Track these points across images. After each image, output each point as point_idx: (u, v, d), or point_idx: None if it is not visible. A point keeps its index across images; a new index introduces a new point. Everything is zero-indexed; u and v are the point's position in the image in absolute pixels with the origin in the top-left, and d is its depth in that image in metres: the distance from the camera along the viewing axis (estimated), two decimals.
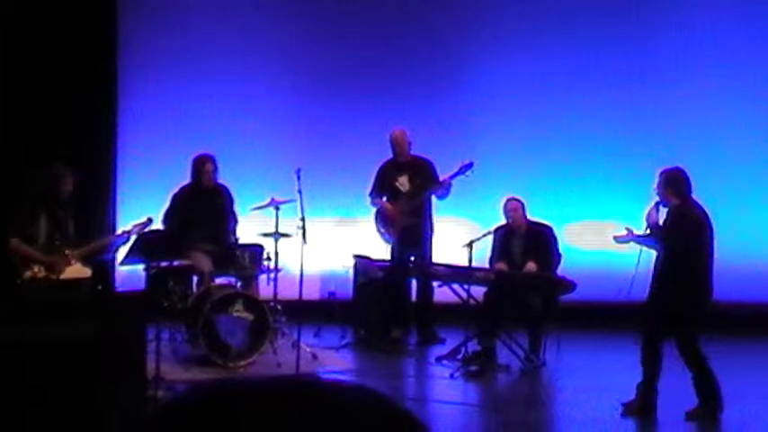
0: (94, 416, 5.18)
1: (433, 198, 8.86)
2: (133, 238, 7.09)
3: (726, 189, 9.61)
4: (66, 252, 6.96)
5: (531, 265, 7.94)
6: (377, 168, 8.95)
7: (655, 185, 6.72)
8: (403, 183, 8.83)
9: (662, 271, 6.59)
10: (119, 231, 7.74)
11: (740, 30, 9.84)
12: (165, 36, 9.83)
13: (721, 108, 9.72)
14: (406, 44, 9.86)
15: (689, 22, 9.81)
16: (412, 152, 8.88)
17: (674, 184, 6.64)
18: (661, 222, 6.72)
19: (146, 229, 7.26)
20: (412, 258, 8.88)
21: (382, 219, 8.91)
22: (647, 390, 6.59)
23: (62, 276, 6.84)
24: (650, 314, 6.67)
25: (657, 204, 6.73)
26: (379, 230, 8.94)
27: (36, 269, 6.76)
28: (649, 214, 6.75)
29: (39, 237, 6.92)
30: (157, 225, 7.61)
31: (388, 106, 9.71)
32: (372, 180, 8.93)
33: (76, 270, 6.94)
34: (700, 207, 6.67)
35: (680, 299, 6.48)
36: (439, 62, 9.83)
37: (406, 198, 8.80)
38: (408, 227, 8.75)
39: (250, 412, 0.86)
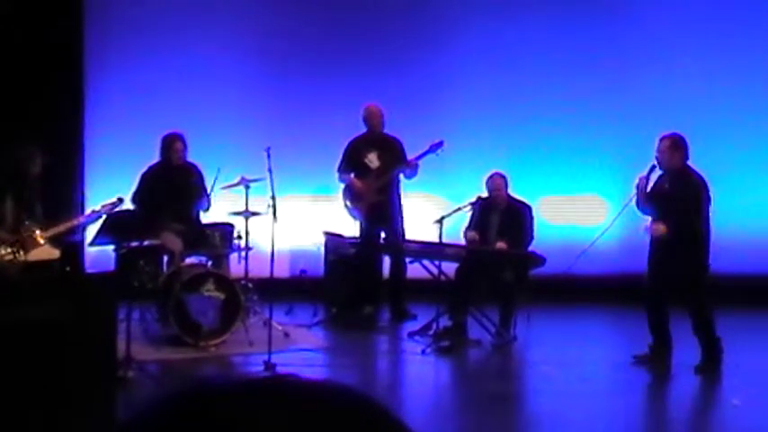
0: (64, 397, 5.17)
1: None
2: (102, 218, 7.04)
3: (705, 162, 9.71)
4: (35, 233, 6.91)
5: (500, 244, 7.98)
6: (346, 143, 8.92)
7: (659, 150, 6.84)
8: (372, 159, 8.81)
9: (666, 236, 6.69)
10: (88, 211, 7.66)
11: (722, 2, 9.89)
12: (132, 12, 9.72)
13: (701, 79, 9.75)
14: (378, 19, 9.82)
15: None
16: (385, 130, 8.86)
17: (682, 148, 6.85)
18: (649, 189, 6.86)
19: (115, 209, 7.20)
20: (383, 235, 8.89)
21: (351, 195, 8.89)
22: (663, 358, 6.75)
23: (30, 258, 6.78)
24: (655, 282, 6.78)
25: (650, 172, 6.84)
26: (346, 206, 8.92)
27: (2, 251, 6.70)
28: (640, 184, 6.87)
29: (5, 218, 6.86)
30: (127, 205, 7.57)
31: (359, 82, 9.68)
32: (341, 155, 8.91)
33: (45, 251, 6.89)
34: (698, 172, 6.89)
35: (686, 262, 6.65)
36: (410, 37, 9.80)
37: (375, 175, 8.79)
38: (376, 204, 8.75)
39: (226, 416, 0.84)
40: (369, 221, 8.80)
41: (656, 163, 6.92)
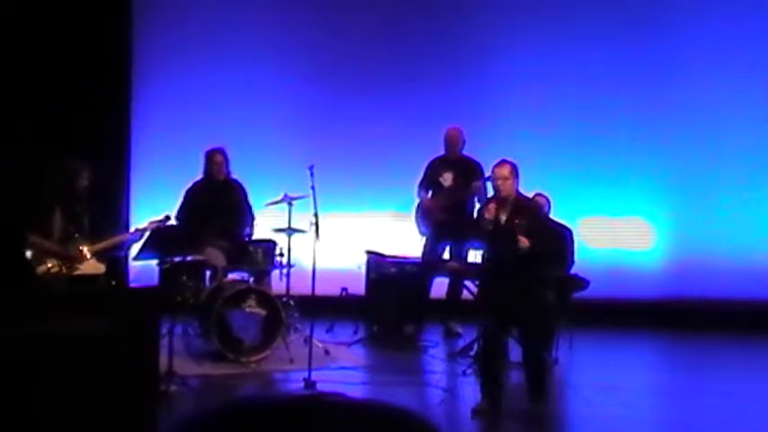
0: (107, 410, 5.21)
1: None
2: (147, 233, 7.11)
3: (737, 184, 9.62)
4: (81, 248, 7.00)
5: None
6: (427, 162, 8.95)
7: (501, 177, 6.26)
8: (446, 179, 8.88)
9: (518, 266, 6.16)
10: (133, 228, 7.74)
11: (761, 23, 9.79)
12: (179, 28, 9.85)
13: (748, 100, 9.66)
14: (424, 38, 9.84)
15: (710, 15, 9.73)
16: (465, 153, 8.89)
17: (517, 175, 6.33)
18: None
19: (163, 225, 7.27)
20: (447, 252, 8.89)
21: (420, 211, 8.96)
22: (496, 388, 6.36)
23: (76, 272, 6.86)
24: (498, 311, 6.28)
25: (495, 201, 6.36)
26: (416, 222, 8.98)
27: (50, 264, 6.79)
28: (486, 212, 6.28)
29: (53, 232, 6.95)
30: (171, 221, 7.63)
31: (402, 100, 9.71)
32: (422, 173, 8.98)
33: (91, 266, 6.97)
34: (529, 198, 6.64)
35: (545, 291, 6.28)
36: (451, 57, 9.81)
37: (445, 193, 8.83)
38: (443, 222, 8.78)
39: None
40: (434, 238, 8.85)
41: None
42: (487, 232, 6.25)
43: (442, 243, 8.89)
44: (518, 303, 6.15)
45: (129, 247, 7.66)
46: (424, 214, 8.92)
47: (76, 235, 6.97)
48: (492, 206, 6.26)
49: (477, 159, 8.86)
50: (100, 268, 7.00)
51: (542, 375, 6.29)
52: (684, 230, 9.77)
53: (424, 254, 8.92)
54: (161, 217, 7.36)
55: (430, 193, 8.96)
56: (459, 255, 8.73)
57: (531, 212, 6.36)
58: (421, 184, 8.99)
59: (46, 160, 7.52)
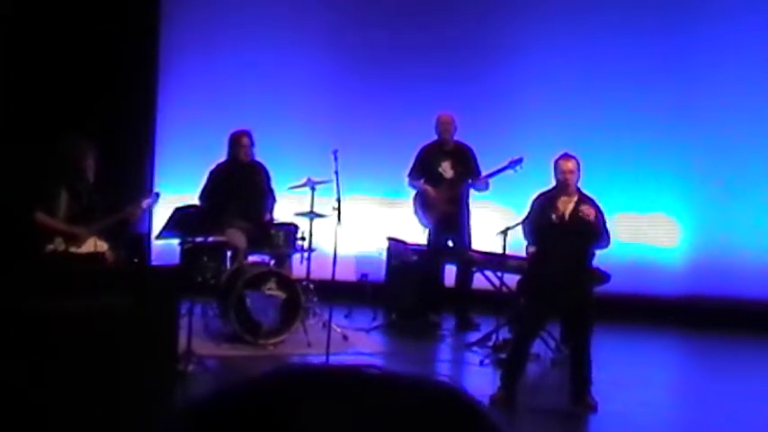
0: (126, 387, 5.23)
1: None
2: (148, 212, 7.07)
3: (764, 182, 9.52)
4: (84, 226, 6.95)
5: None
6: (418, 149, 8.88)
7: (569, 170, 6.22)
8: (446, 169, 8.77)
9: (575, 259, 6.21)
10: (128, 208, 7.59)
11: None
12: (207, 8, 9.84)
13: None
14: (449, 26, 9.79)
15: (738, 10, 9.62)
16: (455, 138, 8.83)
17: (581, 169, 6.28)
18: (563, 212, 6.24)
19: (155, 203, 7.21)
20: (450, 243, 8.85)
21: (422, 203, 8.86)
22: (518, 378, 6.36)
23: (79, 250, 6.83)
24: (548, 303, 6.32)
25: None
26: (417, 214, 8.89)
27: (56, 243, 6.77)
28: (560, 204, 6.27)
29: (58, 210, 6.93)
30: (159, 198, 7.53)
31: (429, 87, 9.65)
32: (412, 161, 8.88)
33: (93, 244, 6.93)
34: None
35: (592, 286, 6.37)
36: (483, 45, 9.75)
37: (448, 185, 8.75)
38: (447, 213, 8.71)
39: (311, 407, 0.80)
40: (438, 230, 8.78)
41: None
42: (550, 225, 6.22)
43: (446, 234, 8.81)
44: (572, 297, 6.17)
45: (131, 225, 7.57)
46: (427, 206, 8.79)
47: (80, 213, 6.94)
48: (564, 199, 6.23)
49: (469, 144, 8.76)
50: (102, 246, 6.96)
51: (589, 370, 6.27)
52: (710, 228, 9.68)
53: (429, 244, 8.85)
54: (152, 195, 7.33)
55: (422, 180, 8.79)
56: (463, 245, 8.68)
57: (594, 207, 6.29)
58: (412, 173, 8.82)
59: (55, 138, 7.49)
